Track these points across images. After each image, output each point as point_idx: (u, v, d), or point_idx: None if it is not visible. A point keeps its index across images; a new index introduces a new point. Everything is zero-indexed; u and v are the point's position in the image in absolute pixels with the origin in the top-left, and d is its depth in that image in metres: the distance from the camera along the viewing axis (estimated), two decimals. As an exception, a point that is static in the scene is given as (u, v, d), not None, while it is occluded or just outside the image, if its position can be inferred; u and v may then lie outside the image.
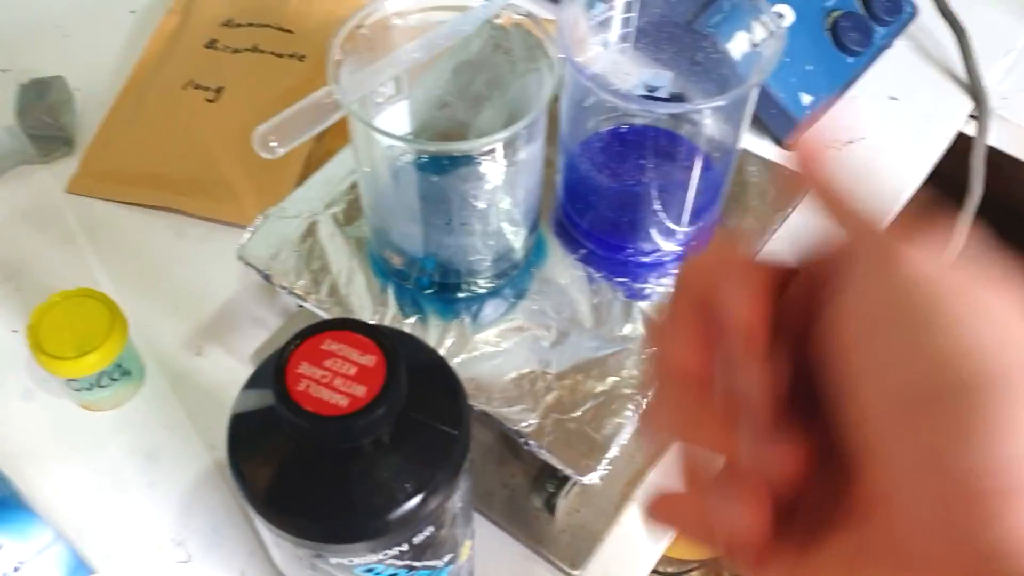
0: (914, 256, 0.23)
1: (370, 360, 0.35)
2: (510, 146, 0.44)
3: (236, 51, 0.75)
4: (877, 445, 0.22)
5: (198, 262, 0.67)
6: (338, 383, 0.34)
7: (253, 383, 0.39)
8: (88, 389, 0.58)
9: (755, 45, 0.47)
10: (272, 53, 0.75)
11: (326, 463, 0.36)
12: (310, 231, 0.52)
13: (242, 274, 0.66)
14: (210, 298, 0.65)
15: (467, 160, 0.44)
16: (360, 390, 0.34)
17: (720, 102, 0.45)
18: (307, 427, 0.34)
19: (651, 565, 0.57)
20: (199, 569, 0.55)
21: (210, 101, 0.72)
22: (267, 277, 0.51)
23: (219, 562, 0.55)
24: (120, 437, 0.60)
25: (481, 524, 0.56)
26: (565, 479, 0.54)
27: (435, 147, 0.46)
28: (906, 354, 0.21)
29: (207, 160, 0.69)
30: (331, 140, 0.70)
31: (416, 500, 0.36)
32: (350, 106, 0.41)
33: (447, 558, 0.41)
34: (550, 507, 0.55)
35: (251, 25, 0.77)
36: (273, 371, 0.35)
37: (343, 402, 0.34)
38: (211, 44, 0.76)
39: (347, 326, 0.36)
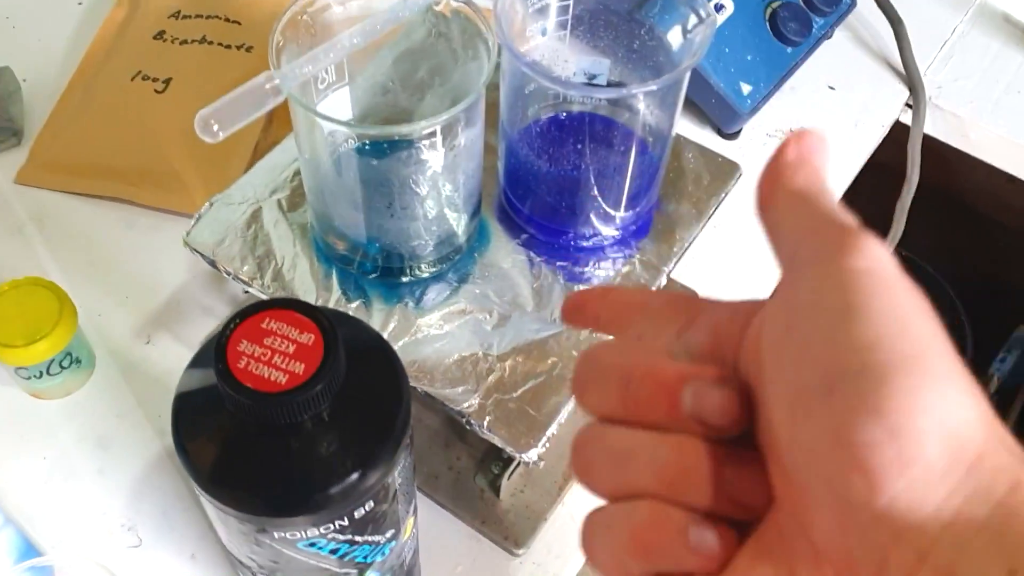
0: (854, 249, 0.23)
1: (308, 338, 0.36)
2: (449, 130, 0.45)
3: (184, 42, 0.75)
4: (783, 435, 0.23)
5: (148, 252, 0.68)
6: (277, 360, 0.35)
7: (196, 363, 0.40)
8: (38, 377, 0.58)
9: (688, 32, 0.48)
10: (220, 44, 0.75)
11: (267, 439, 0.37)
12: (255, 217, 0.53)
13: (191, 263, 0.66)
14: (160, 287, 0.66)
15: (407, 144, 0.45)
16: (299, 367, 0.35)
17: (653, 86, 0.46)
18: (247, 403, 0.35)
19: (595, 542, 0.59)
20: (150, 553, 0.56)
21: (159, 92, 0.73)
22: (212, 263, 0.52)
23: (170, 546, 0.56)
24: (70, 425, 0.60)
25: (427, 506, 0.57)
26: (509, 460, 0.55)
27: (375, 131, 0.47)
28: (819, 346, 0.22)
29: (156, 151, 0.70)
30: (278, 130, 0.71)
31: (355, 475, 0.37)
32: (290, 91, 0.41)
33: (389, 534, 0.42)
34: (495, 488, 0.56)
35: (199, 16, 0.77)
36: (214, 349, 0.36)
37: (282, 379, 0.35)
38: (159, 35, 0.76)
39: (286, 305, 0.37)
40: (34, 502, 0.57)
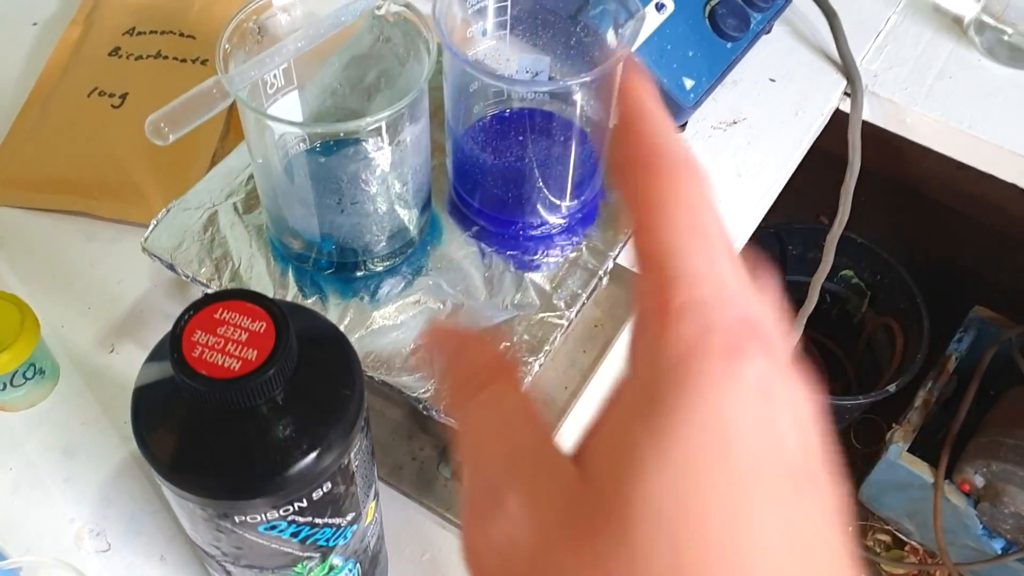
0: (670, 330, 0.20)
1: (260, 326, 0.37)
2: (394, 127, 0.46)
3: (140, 58, 0.77)
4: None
5: (109, 263, 0.69)
6: (231, 348, 0.37)
7: (153, 357, 0.41)
8: (1, 389, 0.59)
9: (620, 27, 0.50)
10: (175, 58, 0.77)
11: (224, 425, 0.38)
12: (211, 221, 0.54)
13: (153, 272, 0.68)
14: (122, 297, 0.67)
15: (354, 142, 0.47)
16: (252, 354, 0.37)
17: (588, 78, 0.48)
18: (203, 389, 0.36)
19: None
20: (119, 557, 0.57)
21: (115, 107, 0.74)
22: (171, 267, 0.53)
23: (139, 548, 0.57)
24: (36, 435, 0.61)
25: (392, 496, 0.59)
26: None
27: (321, 128, 0.48)
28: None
29: (114, 164, 0.71)
30: (235, 139, 0.72)
31: (311, 456, 0.39)
32: (237, 94, 0.43)
33: (350, 517, 0.44)
34: (458, 475, 0.58)
35: (153, 32, 0.78)
36: (169, 340, 0.37)
37: (236, 365, 0.37)
38: (115, 52, 0.77)
39: (238, 296, 0.38)
40: (2, 512, 0.58)
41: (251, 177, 0.56)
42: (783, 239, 1.40)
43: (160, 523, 0.58)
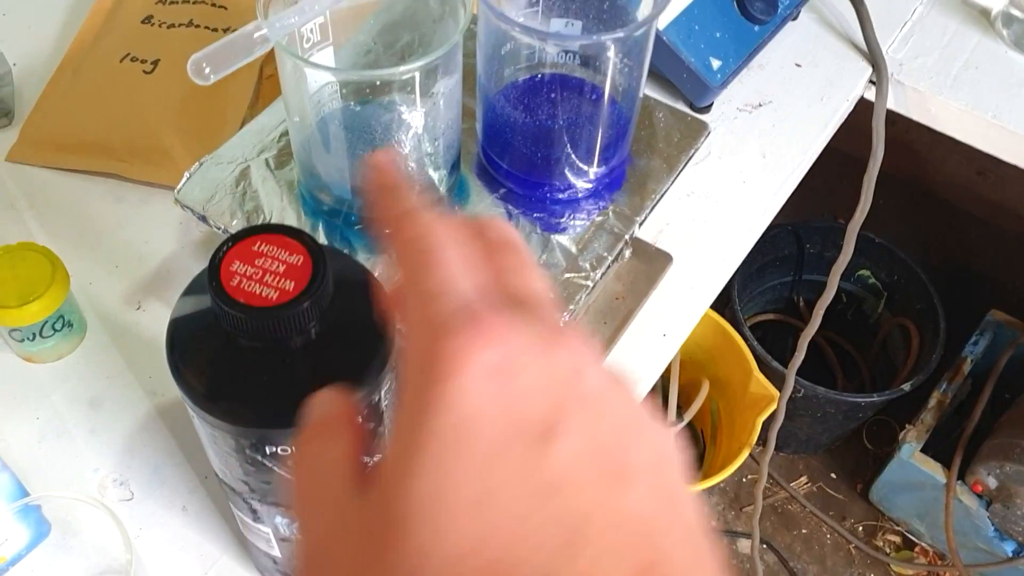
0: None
1: (297, 259, 0.38)
2: (427, 78, 0.47)
3: (172, 26, 0.78)
4: None
5: (137, 224, 0.70)
6: (268, 279, 0.37)
7: (190, 291, 0.42)
8: (31, 340, 0.60)
9: (653, -9, 0.51)
10: (207, 27, 0.77)
11: (258, 356, 0.39)
12: (243, 175, 0.55)
13: (180, 233, 0.68)
14: (149, 257, 0.68)
15: (387, 94, 0.48)
16: (289, 284, 0.37)
17: (621, 34, 0.49)
18: (240, 317, 0.37)
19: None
20: (142, 506, 0.57)
21: (147, 73, 0.75)
22: (203, 218, 0.54)
23: (161, 499, 0.58)
24: (63, 387, 0.62)
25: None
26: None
27: (356, 75, 0.49)
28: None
29: (144, 127, 0.72)
30: (263, 107, 0.73)
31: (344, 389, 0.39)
32: (277, 40, 0.44)
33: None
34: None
35: (186, 2, 0.79)
36: (208, 268, 0.38)
37: (273, 295, 0.37)
38: (147, 20, 0.78)
39: (276, 230, 0.39)
40: (28, 459, 0.58)
41: (283, 134, 0.57)
42: (801, 237, 1.40)
43: (183, 474, 0.58)
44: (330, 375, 0.39)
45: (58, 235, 0.69)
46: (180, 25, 0.78)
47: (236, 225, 0.53)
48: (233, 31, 0.77)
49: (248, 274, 0.38)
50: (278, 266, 0.38)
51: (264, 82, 0.75)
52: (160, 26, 0.78)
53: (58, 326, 0.61)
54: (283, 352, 0.39)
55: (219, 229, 0.53)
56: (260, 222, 0.53)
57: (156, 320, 0.65)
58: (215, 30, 0.77)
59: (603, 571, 0.20)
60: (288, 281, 0.37)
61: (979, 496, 1.24)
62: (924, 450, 1.30)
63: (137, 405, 0.61)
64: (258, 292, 0.37)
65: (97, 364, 0.63)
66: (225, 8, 0.79)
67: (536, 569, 0.20)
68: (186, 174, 0.55)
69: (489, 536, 0.20)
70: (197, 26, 0.78)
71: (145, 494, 0.58)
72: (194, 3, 0.79)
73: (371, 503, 0.23)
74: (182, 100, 0.73)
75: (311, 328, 0.38)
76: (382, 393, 0.42)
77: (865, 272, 1.43)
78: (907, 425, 1.32)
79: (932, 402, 1.32)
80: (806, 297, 1.45)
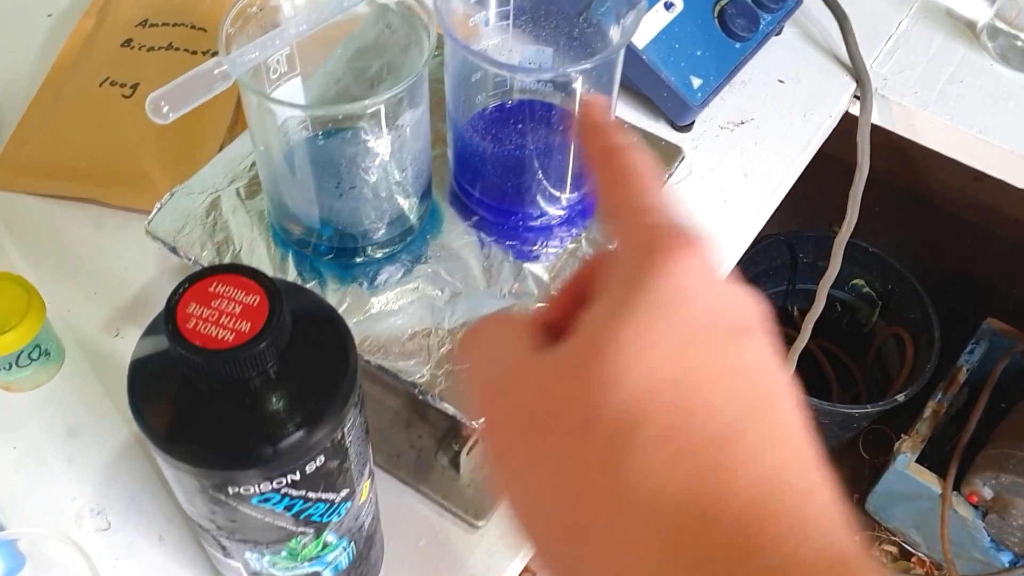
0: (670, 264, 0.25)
1: (254, 300, 0.38)
2: (392, 111, 0.47)
3: (151, 49, 0.78)
4: None
5: (116, 249, 0.69)
6: (225, 320, 0.37)
7: (150, 331, 0.42)
8: (7, 369, 0.60)
9: (621, 18, 0.51)
10: (186, 50, 0.77)
11: (218, 397, 0.39)
12: (214, 205, 0.55)
13: (159, 259, 0.68)
14: (128, 283, 0.68)
15: (354, 126, 0.47)
16: (245, 326, 0.37)
17: (587, 65, 0.48)
18: (196, 360, 0.37)
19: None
20: (119, 535, 0.57)
21: (126, 97, 0.75)
22: (174, 250, 0.54)
23: (139, 528, 0.58)
24: (40, 416, 0.62)
25: (389, 483, 0.59)
26: (468, 437, 0.57)
27: (321, 110, 0.49)
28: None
29: (124, 153, 0.72)
30: (242, 129, 0.73)
31: (304, 429, 0.39)
32: (239, 76, 0.44)
33: (344, 493, 0.44)
34: (455, 464, 0.58)
35: (166, 24, 0.79)
36: (164, 311, 0.37)
37: (230, 337, 0.37)
38: (127, 43, 0.78)
39: (232, 270, 0.38)
40: (5, 489, 0.58)
41: (254, 164, 0.57)
42: (794, 247, 1.40)
43: (160, 504, 0.58)
44: (292, 413, 0.39)
45: (37, 261, 0.69)
46: (160, 48, 0.78)
47: (206, 257, 0.53)
48: (212, 54, 0.77)
49: (204, 316, 0.37)
50: (234, 307, 0.38)
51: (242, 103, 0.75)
52: (140, 49, 0.78)
53: (35, 355, 0.61)
54: (243, 393, 0.38)
55: (189, 260, 0.53)
56: (230, 253, 0.53)
57: (134, 347, 0.65)
58: (194, 53, 0.77)
59: (770, 448, 0.24)
60: (244, 323, 0.37)
61: (975, 507, 1.24)
62: (920, 460, 1.29)
63: (115, 433, 0.61)
64: (215, 334, 0.37)
65: (75, 392, 0.63)
66: (205, 30, 0.79)
67: (721, 421, 0.24)
68: (157, 205, 0.55)
69: (684, 376, 0.24)
70: (177, 49, 0.78)
71: (122, 523, 0.58)
72: (174, 26, 0.79)
73: (567, 347, 0.26)
74: (160, 125, 0.72)
75: (270, 368, 0.38)
76: (345, 430, 0.42)
77: (859, 281, 1.43)
78: (903, 435, 1.31)
79: (927, 412, 1.31)
80: (800, 307, 1.44)
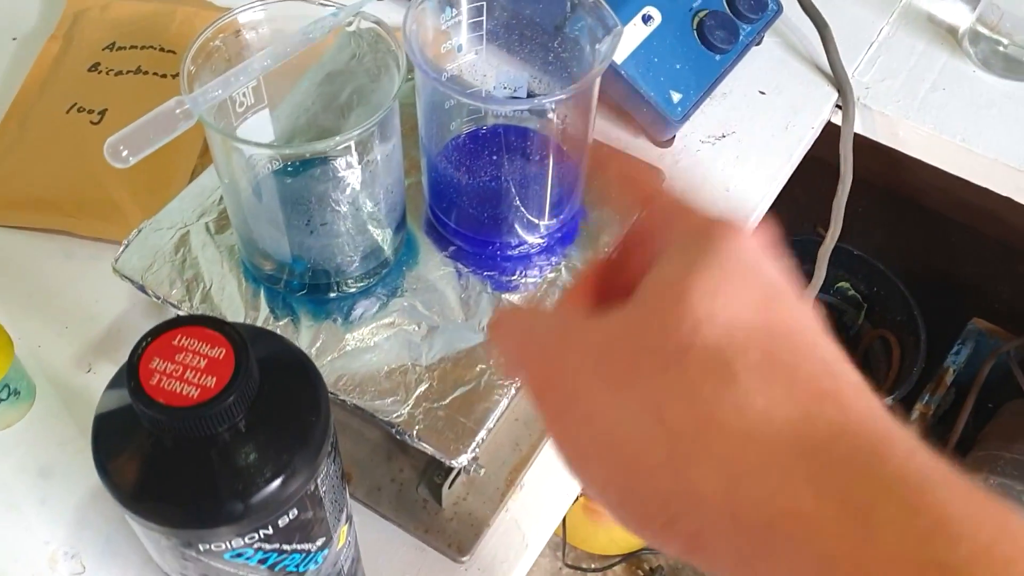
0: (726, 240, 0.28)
1: (219, 352, 0.37)
2: (363, 146, 0.46)
3: (119, 73, 0.76)
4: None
5: (87, 282, 0.68)
6: (189, 375, 0.36)
7: (113, 384, 0.41)
8: (-25, 410, 0.59)
9: (598, 43, 0.50)
10: (155, 74, 0.76)
11: (185, 453, 0.37)
12: (183, 241, 0.53)
13: (131, 291, 0.66)
14: (100, 316, 0.66)
15: (324, 161, 0.46)
16: (211, 381, 0.36)
17: (563, 96, 0.47)
18: (160, 418, 0.35)
19: (538, 548, 0.59)
20: (93, 580, 0.56)
21: (94, 124, 0.73)
22: (142, 288, 0.52)
23: (114, 571, 0.56)
24: (11, 457, 0.60)
25: (371, 518, 0.58)
26: (450, 469, 0.56)
27: (288, 150, 0.47)
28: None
29: (93, 181, 0.70)
30: (215, 155, 0.72)
31: (275, 483, 0.38)
32: (202, 115, 0.42)
33: (320, 542, 0.43)
34: (437, 497, 0.57)
35: (134, 47, 0.78)
36: (127, 368, 0.36)
37: (194, 393, 0.36)
38: (94, 67, 0.77)
39: (196, 322, 0.37)
40: (-25, 535, 0.57)
41: (223, 197, 0.55)
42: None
43: (135, 546, 0.57)
44: (263, 467, 0.38)
45: (6, 296, 0.67)
46: (128, 72, 0.76)
47: (175, 295, 0.52)
48: (183, 77, 0.76)
49: (168, 371, 0.36)
50: (199, 361, 0.36)
51: (216, 129, 0.73)
52: (107, 73, 0.76)
53: (3, 395, 0.59)
54: (211, 448, 0.37)
55: (158, 299, 0.52)
56: (200, 291, 0.52)
57: (107, 383, 0.63)
58: (164, 76, 0.76)
59: (866, 390, 0.26)
60: (210, 377, 0.36)
61: (965, 509, 1.23)
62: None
63: (89, 473, 0.58)
64: (179, 390, 0.36)
65: (47, 431, 0.61)
66: (174, 52, 0.77)
67: (819, 361, 0.26)
68: (124, 241, 0.54)
69: (769, 323, 0.26)
70: (145, 72, 0.76)
71: (97, 567, 0.56)
72: (142, 48, 0.78)
73: (641, 298, 0.28)
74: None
75: (238, 423, 0.37)
76: (318, 480, 0.40)
77: (844, 284, 1.42)
78: (891, 438, 1.30)
79: (915, 414, 1.31)
80: (786, 311, 1.43)
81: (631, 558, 1.38)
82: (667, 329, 0.26)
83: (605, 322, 0.28)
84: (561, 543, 1.35)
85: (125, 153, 0.40)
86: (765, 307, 0.26)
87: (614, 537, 1.33)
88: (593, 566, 1.40)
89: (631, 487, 0.26)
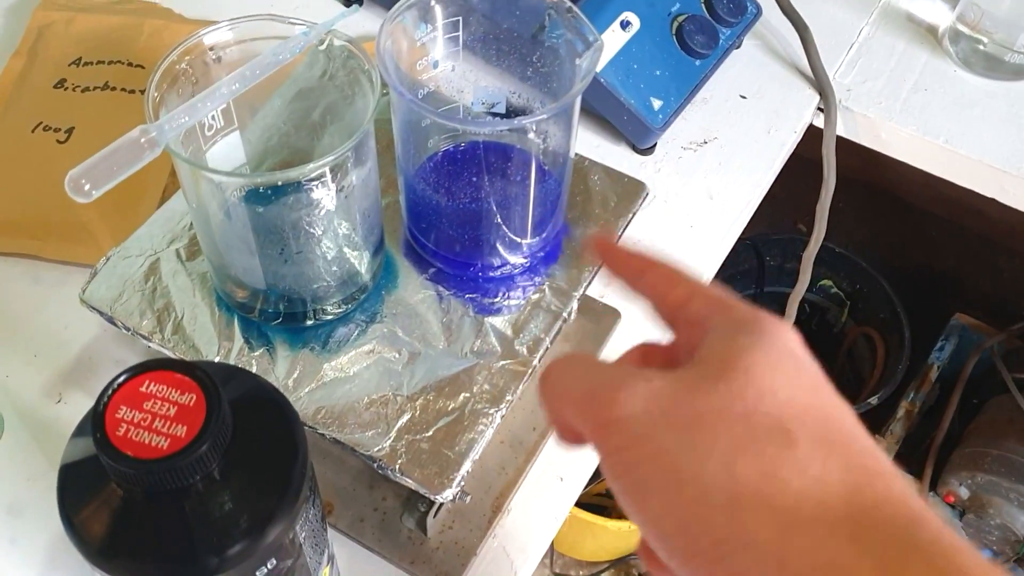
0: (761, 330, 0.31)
1: (190, 399, 0.35)
2: (339, 170, 0.44)
3: (86, 89, 0.74)
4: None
5: (56, 308, 0.66)
6: (158, 425, 0.34)
7: (80, 432, 0.39)
8: (-60, 447, 0.56)
9: (578, 57, 0.48)
10: (123, 90, 0.74)
11: (156, 506, 0.35)
12: (153, 269, 0.51)
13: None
14: (69, 343, 0.64)
15: (296, 188, 0.44)
16: (181, 430, 0.34)
17: (543, 115, 0.46)
18: (129, 472, 0.34)
19: (528, 574, 0.58)
20: (66, 622, 0.54)
21: (61, 143, 0.71)
22: (111, 320, 0.50)
23: (87, 613, 0.54)
24: (-21, 494, 0.58)
25: (354, 550, 0.56)
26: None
27: (261, 178, 0.46)
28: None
29: (60, 203, 0.68)
30: (186, 174, 0.70)
31: (253, 534, 0.36)
32: (168, 144, 0.40)
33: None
34: (422, 527, 0.55)
35: (101, 63, 0.76)
36: (92, 417, 0.34)
37: (164, 444, 0.34)
38: (60, 84, 0.74)
39: (165, 366, 0.35)
40: (-57, 578, 0.55)
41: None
42: (760, 251, 1.38)
43: (110, 585, 0.55)
44: (238, 518, 0.36)
45: (-29, 324, 0.65)
46: (95, 88, 0.74)
47: (145, 326, 0.50)
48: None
49: (136, 420, 0.34)
50: (168, 408, 0.35)
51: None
52: (74, 90, 0.74)
53: (-31, 430, 0.57)
54: (183, 500, 0.35)
55: (128, 331, 0.50)
56: (171, 321, 0.50)
57: (78, 413, 0.60)
58: (132, 92, 0.74)
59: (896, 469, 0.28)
60: (180, 426, 0.34)
61: (952, 507, 1.23)
62: (895, 460, 1.28)
63: None
64: (148, 441, 0.34)
65: (16, 466, 0.59)
66: (142, 67, 0.75)
67: (862, 443, 0.29)
68: (92, 271, 0.52)
69: (821, 405, 0.29)
70: (113, 88, 0.74)
71: (69, 608, 0.54)
72: (109, 63, 0.75)
73: (702, 362, 0.30)
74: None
75: (211, 472, 0.35)
76: (297, 528, 0.39)
77: (827, 282, 1.41)
78: (876, 436, 1.30)
79: (900, 411, 1.30)
80: (769, 310, 1.42)
81: (619, 564, 1.37)
82: (732, 393, 0.29)
83: (670, 376, 0.30)
84: (549, 550, 1.34)
85: (88, 187, 0.38)
86: (814, 391, 0.30)
87: (603, 543, 1.32)
88: (581, 573, 1.39)
89: (688, 522, 0.28)
